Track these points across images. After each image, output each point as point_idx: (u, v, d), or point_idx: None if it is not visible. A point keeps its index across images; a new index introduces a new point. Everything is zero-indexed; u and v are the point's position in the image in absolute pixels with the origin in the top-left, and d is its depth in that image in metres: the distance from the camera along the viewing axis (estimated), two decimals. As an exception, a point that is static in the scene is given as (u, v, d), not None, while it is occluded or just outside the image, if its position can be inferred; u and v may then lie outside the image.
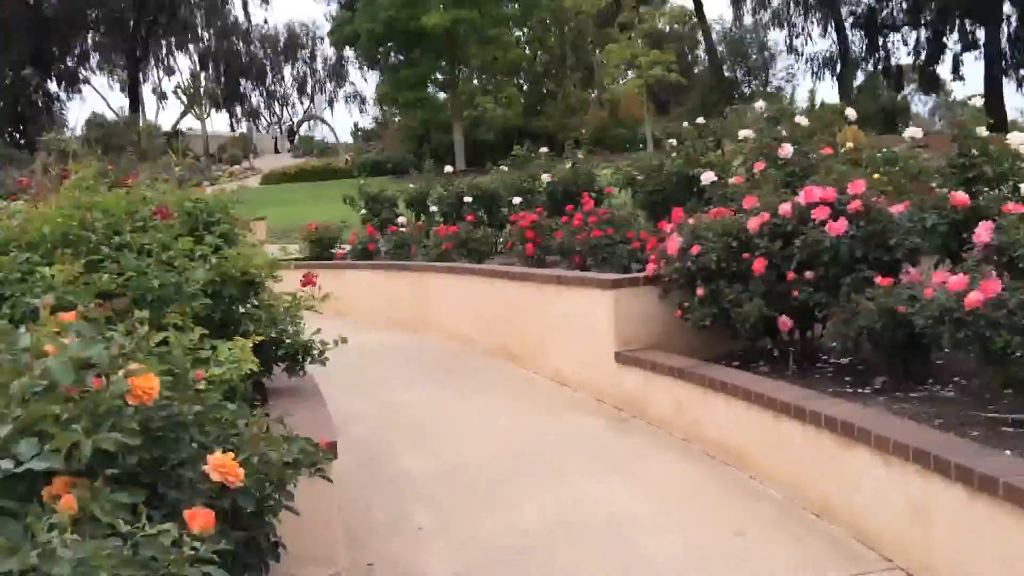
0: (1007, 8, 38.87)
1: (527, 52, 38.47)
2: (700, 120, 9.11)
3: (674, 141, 8.52)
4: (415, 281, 9.06)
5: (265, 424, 2.34)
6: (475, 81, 37.98)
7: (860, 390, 4.64)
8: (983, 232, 4.04)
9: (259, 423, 2.31)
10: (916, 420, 3.91)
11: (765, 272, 4.96)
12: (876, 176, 6.02)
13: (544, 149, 10.79)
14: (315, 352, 3.91)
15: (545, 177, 9.52)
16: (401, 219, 11.23)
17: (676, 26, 44.61)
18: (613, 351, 5.78)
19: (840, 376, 4.98)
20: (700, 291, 5.32)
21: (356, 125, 61.96)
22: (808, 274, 4.84)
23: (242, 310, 3.79)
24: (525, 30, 39.01)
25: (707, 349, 5.59)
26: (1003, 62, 38.78)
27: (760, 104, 7.89)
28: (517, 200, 9.69)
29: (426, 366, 7.51)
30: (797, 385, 4.62)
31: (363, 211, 11.87)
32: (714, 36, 47.01)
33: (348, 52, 41.80)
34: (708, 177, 6.98)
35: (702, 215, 5.67)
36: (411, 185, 11.93)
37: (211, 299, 3.58)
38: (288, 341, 3.87)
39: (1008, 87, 39.96)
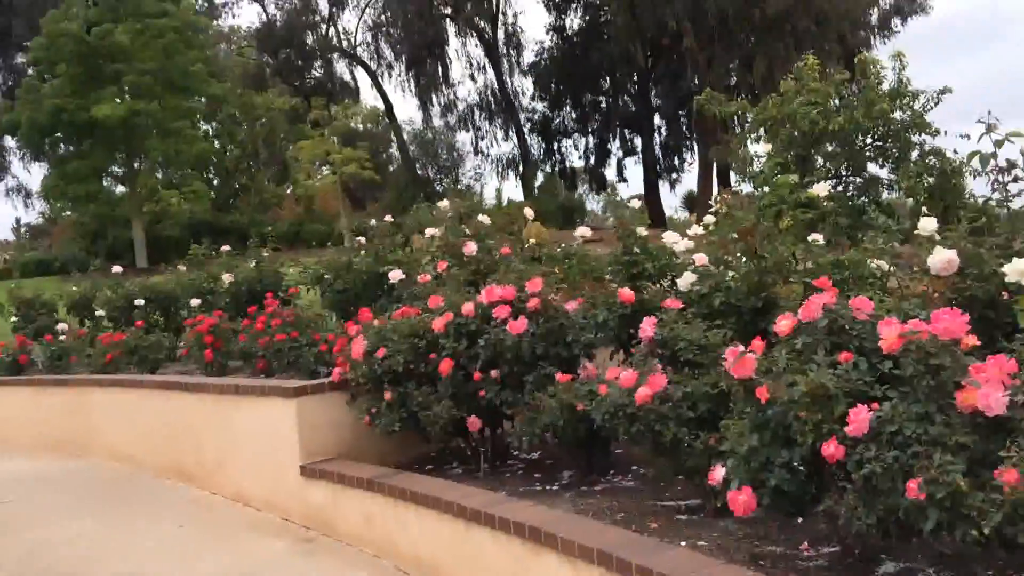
0: (658, 120, 44.35)
1: (216, 146, 36.97)
2: (388, 217, 9.06)
3: (362, 239, 8.37)
4: (74, 396, 7.96)
5: None
6: (158, 174, 35.65)
7: (549, 486, 4.64)
8: (647, 327, 4.24)
9: None
10: (600, 517, 3.93)
11: (452, 372, 4.88)
12: (557, 270, 6.24)
13: (226, 248, 10.14)
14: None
15: (227, 277, 8.91)
16: (61, 326, 9.94)
17: (369, 125, 45.50)
18: (298, 464, 5.35)
19: (530, 472, 4.97)
20: (388, 395, 5.13)
21: (19, 221, 55.77)
22: (494, 373, 4.82)
23: None
24: (213, 124, 37.61)
25: (400, 454, 5.40)
26: (657, 167, 43.91)
27: (445, 203, 7.99)
28: (196, 302, 8.96)
29: (84, 496, 6.51)
30: (488, 487, 4.52)
31: (13, 318, 10.38)
32: (406, 136, 48.58)
33: (9, 142, 37.58)
34: (396, 275, 6.89)
35: (389, 316, 5.51)
36: (74, 288, 10.64)
37: None
38: None
39: (664, 188, 45.30)
